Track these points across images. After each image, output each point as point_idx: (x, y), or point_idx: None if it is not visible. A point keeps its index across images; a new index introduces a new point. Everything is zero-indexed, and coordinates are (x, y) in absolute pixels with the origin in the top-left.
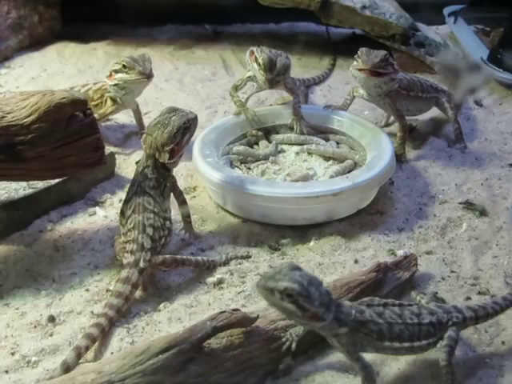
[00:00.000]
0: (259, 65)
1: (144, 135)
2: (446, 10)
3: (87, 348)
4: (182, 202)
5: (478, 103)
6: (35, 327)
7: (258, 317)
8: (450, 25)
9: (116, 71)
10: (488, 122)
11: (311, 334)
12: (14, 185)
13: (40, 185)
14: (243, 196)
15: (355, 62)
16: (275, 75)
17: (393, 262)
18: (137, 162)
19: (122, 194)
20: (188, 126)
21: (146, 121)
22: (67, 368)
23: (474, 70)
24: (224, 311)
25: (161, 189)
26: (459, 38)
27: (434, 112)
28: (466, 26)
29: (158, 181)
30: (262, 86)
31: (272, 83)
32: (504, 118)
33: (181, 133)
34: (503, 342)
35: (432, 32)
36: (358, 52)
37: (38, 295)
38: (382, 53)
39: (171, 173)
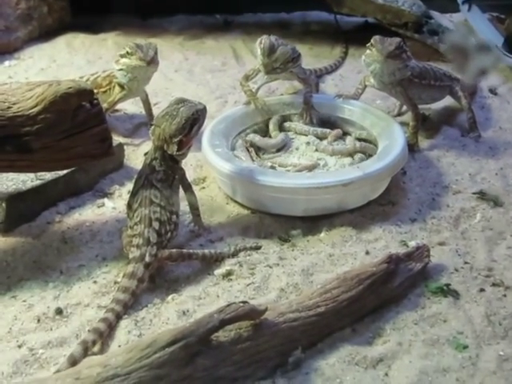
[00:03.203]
0: (261, 49)
1: (152, 127)
2: None
3: (94, 342)
4: (191, 195)
5: (493, 91)
6: (42, 320)
7: (266, 309)
8: (464, 12)
9: (121, 56)
10: (503, 111)
11: (319, 326)
12: (21, 176)
13: (48, 176)
14: (253, 187)
15: (368, 51)
16: (272, 61)
17: (405, 253)
18: (145, 154)
19: (130, 186)
20: (197, 117)
21: (156, 111)
22: (74, 362)
23: (483, 50)
24: (232, 303)
25: (169, 181)
26: (474, 26)
27: (447, 101)
28: (480, 13)
29: (166, 173)
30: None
31: (268, 68)
32: None
33: (189, 124)
34: None
35: (445, 20)
36: (372, 40)
37: (46, 287)
38: (396, 40)
39: (180, 165)
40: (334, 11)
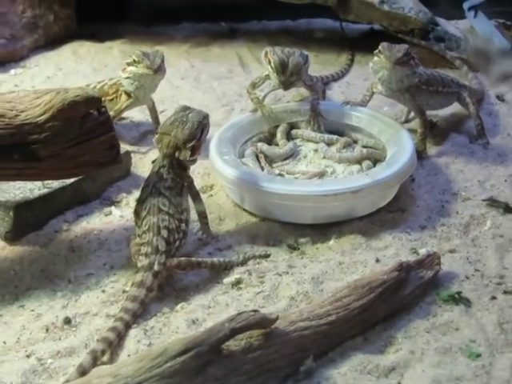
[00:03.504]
0: (272, 67)
1: (157, 135)
2: (466, 5)
3: (103, 352)
4: (199, 203)
5: (500, 98)
6: (51, 329)
7: (277, 318)
8: (470, 19)
9: (128, 64)
10: (511, 117)
11: (331, 335)
12: (29, 184)
13: (55, 184)
14: (261, 194)
15: (376, 58)
16: (288, 76)
17: (415, 260)
18: (153, 162)
19: (137, 194)
20: (205, 122)
21: (162, 119)
22: (83, 372)
23: (506, 55)
24: (243, 312)
25: (177, 189)
26: (480, 32)
27: (454, 108)
28: (486, 19)
29: (175, 181)
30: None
31: (286, 85)
32: None
33: (200, 129)
34: None
35: (451, 27)
36: (379, 47)
37: (54, 296)
38: (404, 47)
39: (188, 172)
40: (339, 18)
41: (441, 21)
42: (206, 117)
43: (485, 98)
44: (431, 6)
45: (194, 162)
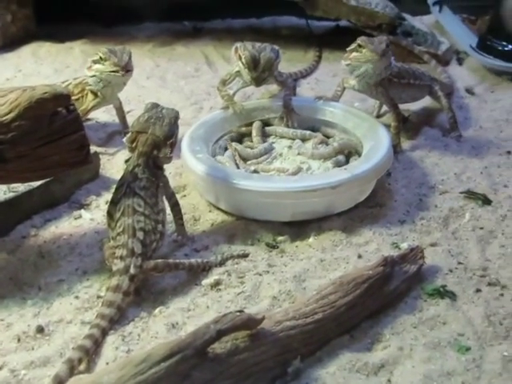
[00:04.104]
0: (243, 63)
1: (130, 134)
2: (431, 0)
3: (80, 360)
4: (175, 204)
5: (470, 91)
6: (23, 339)
7: (263, 318)
8: (435, 14)
9: (94, 62)
10: (481, 110)
11: (317, 334)
12: None
13: (21, 188)
14: (237, 192)
15: (356, 53)
16: (260, 72)
17: (399, 255)
18: (126, 161)
19: (107, 196)
20: (178, 117)
21: (129, 119)
22: (60, 382)
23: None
24: (228, 313)
25: (152, 189)
26: (446, 27)
27: (425, 102)
28: (452, 14)
29: (150, 180)
30: (250, 84)
31: (258, 81)
32: (497, 105)
33: (176, 125)
34: None
35: (418, 22)
36: (358, 42)
37: (24, 305)
38: (383, 38)
39: (163, 171)
40: (306, 15)
41: (406, 16)
42: (178, 113)
43: (454, 91)
44: (394, 1)
45: (170, 160)
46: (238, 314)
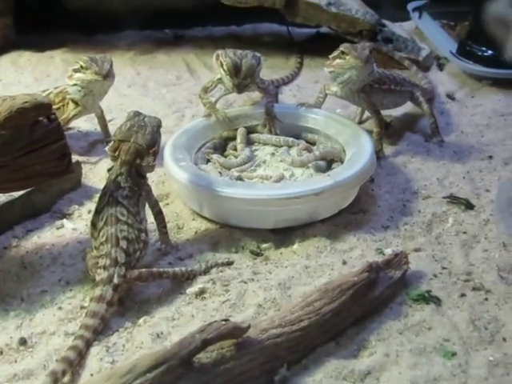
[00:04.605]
0: (225, 70)
1: (112, 142)
2: (410, 6)
3: (64, 372)
4: (158, 212)
5: (451, 97)
6: (5, 351)
7: (249, 326)
8: (414, 20)
9: (75, 71)
10: (462, 115)
11: (304, 342)
12: None
13: (2, 198)
14: (221, 200)
15: (339, 60)
16: (242, 79)
17: (383, 260)
18: (109, 170)
19: (90, 205)
20: (161, 125)
21: (111, 127)
22: None
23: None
24: (214, 322)
25: (135, 198)
26: (426, 33)
27: (407, 107)
28: (431, 20)
29: (132, 190)
30: (232, 90)
31: (240, 88)
32: (478, 110)
33: (159, 133)
34: (504, 339)
35: (398, 28)
36: (342, 49)
37: (7, 316)
38: (367, 44)
39: (146, 180)
40: (286, 22)
41: (387, 23)
42: (160, 121)
43: (435, 97)
44: (374, 8)
45: (153, 168)
46: (224, 322)
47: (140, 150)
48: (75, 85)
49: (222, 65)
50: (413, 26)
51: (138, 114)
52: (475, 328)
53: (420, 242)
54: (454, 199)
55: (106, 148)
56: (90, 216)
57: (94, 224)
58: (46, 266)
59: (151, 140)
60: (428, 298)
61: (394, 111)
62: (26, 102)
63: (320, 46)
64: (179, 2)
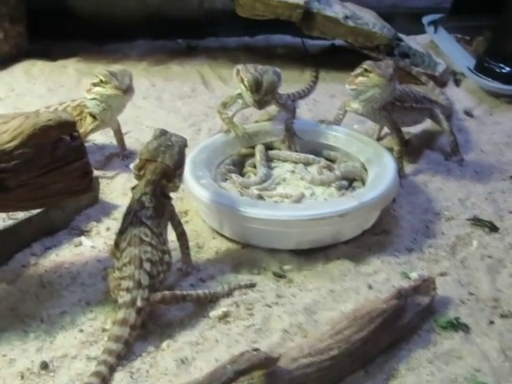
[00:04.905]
0: (245, 86)
1: (138, 161)
2: (426, 19)
3: None
4: (182, 233)
5: (469, 114)
6: (27, 376)
7: (280, 356)
8: (430, 34)
9: (94, 85)
10: (481, 133)
11: (333, 371)
12: None
13: (20, 215)
14: (243, 219)
15: (362, 78)
16: (263, 95)
17: (411, 286)
18: (133, 188)
19: (108, 222)
20: (187, 145)
21: (127, 141)
22: None
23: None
24: (245, 352)
25: (159, 219)
26: (442, 48)
27: (425, 124)
28: (447, 35)
29: (156, 210)
30: (252, 106)
31: (261, 104)
32: (497, 128)
33: (184, 153)
34: None
35: (413, 42)
36: (365, 67)
37: (26, 338)
38: (390, 62)
39: (171, 200)
40: (301, 34)
41: (403, 37)
42: (186, 141)
43: (453, 113)
44: (387, 20)
45: (177, 188)
46: (255, 353)
47: (166, 171)
48: (94, 99)
49: (242, 80)
50: (427, 39)
51: (164, 132)
52: (506, 358)
53: (445, 266)
54: (477, 221)
55: (131, 166)
56: (108, 233)
57: (116, 244)
58: (65, 286)
59: (178, 161)
60: (457, 326)
61: (412, 128)
62: (50, 120)
63: (335, 58)
64: (191, 12)
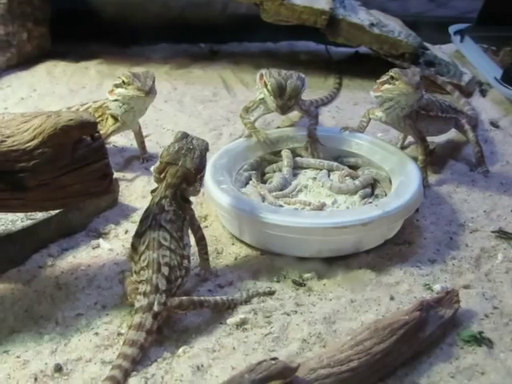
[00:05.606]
0: (269, 91)
1: (159, 164)
2: (452, 29)
3: None
4: (201, 238)
5: (495, 124)
6: (40, 378)
7: (299, 366)
8: (456, 44)
9: (116, 86)
10: (507, 145)
11: (353, 383)
12: (10, 216)
13: (39, 215)
14: (264, 226)
15: (388, 85)
16: (286, 100)
17: (434, 298)
18: (152, 191)
19: (126, 225)
20: (208, 149)
21: (147, 144)
22: None
23: None
24: (263, 361)
25: (179, 222)
26: (468, 57)
27: (449, 134)
28: (474, 44)
29: (176, 213)
30: (275, 111)
31: (284, 109)
32: None
33: (206, 157)
34: None
35: (439, 51)
36: (392, 74)
37: (41, 340)
38: (417, 70)
39: (191, 204)
40: (325, 41)
41: (428, 45)
42: (208, 145)
43: (478, 124)
44: (413, 29)
45: (198, 192)
46: (273, 362)
47: (187, 174)
48: (116, 100)
49: (266, 85)
50: (453, 49)
51: (185, 135)
52: None
53: (469, 279)
54: (503, 234)
55: (151, 169)
56: (127, 236)
57: (134, 247)
58: (81, 288)
59: (200, 165)
60: (480, 340)
61: (437, 138)
62: (72, 120)
63: (359, 66)
64: (214, 17)
